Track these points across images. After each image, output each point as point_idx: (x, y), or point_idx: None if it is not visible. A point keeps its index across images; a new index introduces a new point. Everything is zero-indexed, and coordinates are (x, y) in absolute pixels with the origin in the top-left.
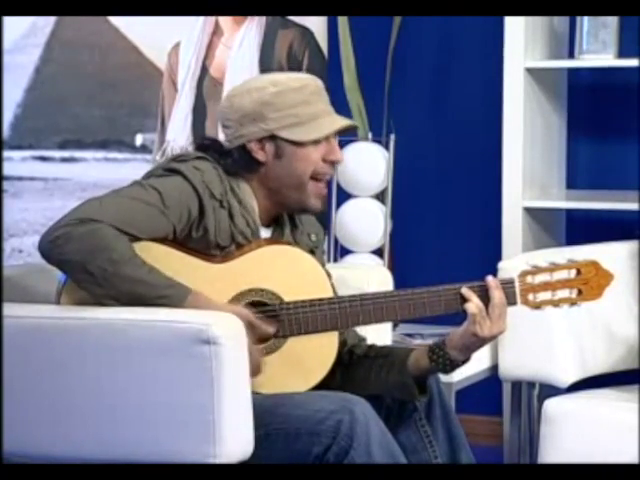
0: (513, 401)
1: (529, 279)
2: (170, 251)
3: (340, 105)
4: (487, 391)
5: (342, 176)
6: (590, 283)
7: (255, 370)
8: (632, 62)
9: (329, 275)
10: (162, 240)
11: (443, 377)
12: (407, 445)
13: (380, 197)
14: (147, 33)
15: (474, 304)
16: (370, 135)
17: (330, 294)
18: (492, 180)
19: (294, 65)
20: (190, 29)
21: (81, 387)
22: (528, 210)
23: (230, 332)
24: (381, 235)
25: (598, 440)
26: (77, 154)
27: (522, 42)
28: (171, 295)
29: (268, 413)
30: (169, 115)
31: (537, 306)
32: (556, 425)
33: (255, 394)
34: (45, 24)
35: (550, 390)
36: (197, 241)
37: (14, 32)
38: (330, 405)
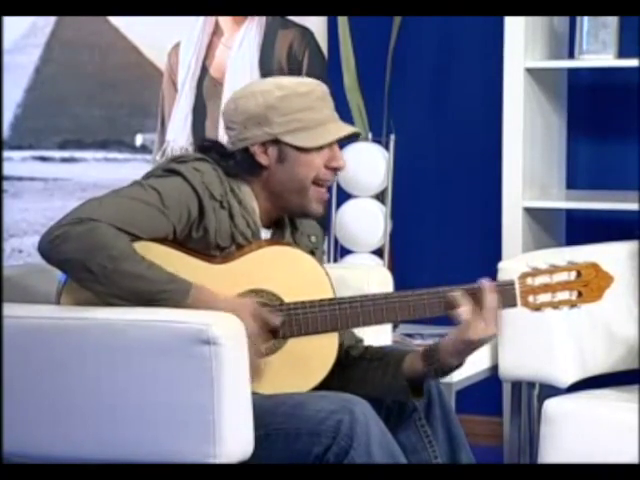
0: (513, 401)
1: (529, 281)
2: (170, 251)
3: (340, 105)
4: (487, 391)
5: (342, 176)
6: (590, 285)
7: (256, 354)
8: (632, 62)
9: (328, 276)
10: (162, 240)
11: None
12: (407, 445)
13: (380, 197)
14: (147, 33)
15: (466, 308)
16: (370, 135)
17: (331, 295)
18: (492, 180)
19: (294, 65)
20: (190, 29)
21: (81, 387)
22: (528, 210)
23: (230, 332)
24: (381, 235)
25: (598, 440)
26: (77, 154)
27: (522, 42)
28: (173, 290)
29: (268, 413)
30: (169, 115)
31: (537, 308)
32: (556, 425)
33: (255, 394)
34: (45, 24)
35: (550, 390)
36: (197, 241)
37: (14, 32)
38: (330, 405)
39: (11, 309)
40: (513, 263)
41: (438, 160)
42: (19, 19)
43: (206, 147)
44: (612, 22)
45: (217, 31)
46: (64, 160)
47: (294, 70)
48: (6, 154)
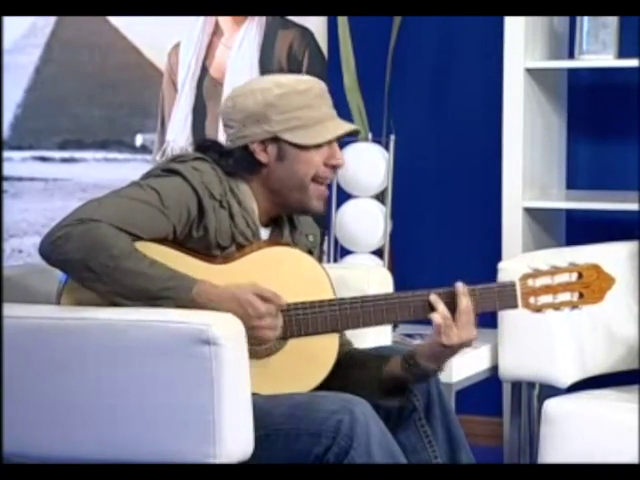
0: (513, 401)
1: (530, 282)
2: (170, 251)
3: (340, 105)
4: (487, 391)
5: (342, 176)
6: (591, 287)
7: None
8: (632, 62)
9: (328, 277)
10: (162, 240)
11: (443, 377)
12: (407, 445)
13: (380, 197)
14: (147, 33)
15: (439, 313)
16: (370, 135)
17: (331, 295)
18: (492, 180)
19: (294, 65)
20: (190, 29)
21: (81, 387)
22: (528, 210)
23: (230, 332)
24: (381, 235)
25: (598, 440)
26: (77, 154)
27: (522, 42)
28: (175, 286)
29: (268, 414)
30: (169, 115)
31: (538, 309)
32: (556, 425)
33: (255, 395)
34: (45, 24)
35: (550, 390)
36: (197, 241)
37: (14, 32)
38: (330, 405)
39: (11, 309)
40: (513, 263)
41: (438, 160)
42: (19, 19)
43: (204, 146)
44: (612, 22)
45: (217, 31)
46: (64, 160)
47: (294, 70)
48: (6, 154)
